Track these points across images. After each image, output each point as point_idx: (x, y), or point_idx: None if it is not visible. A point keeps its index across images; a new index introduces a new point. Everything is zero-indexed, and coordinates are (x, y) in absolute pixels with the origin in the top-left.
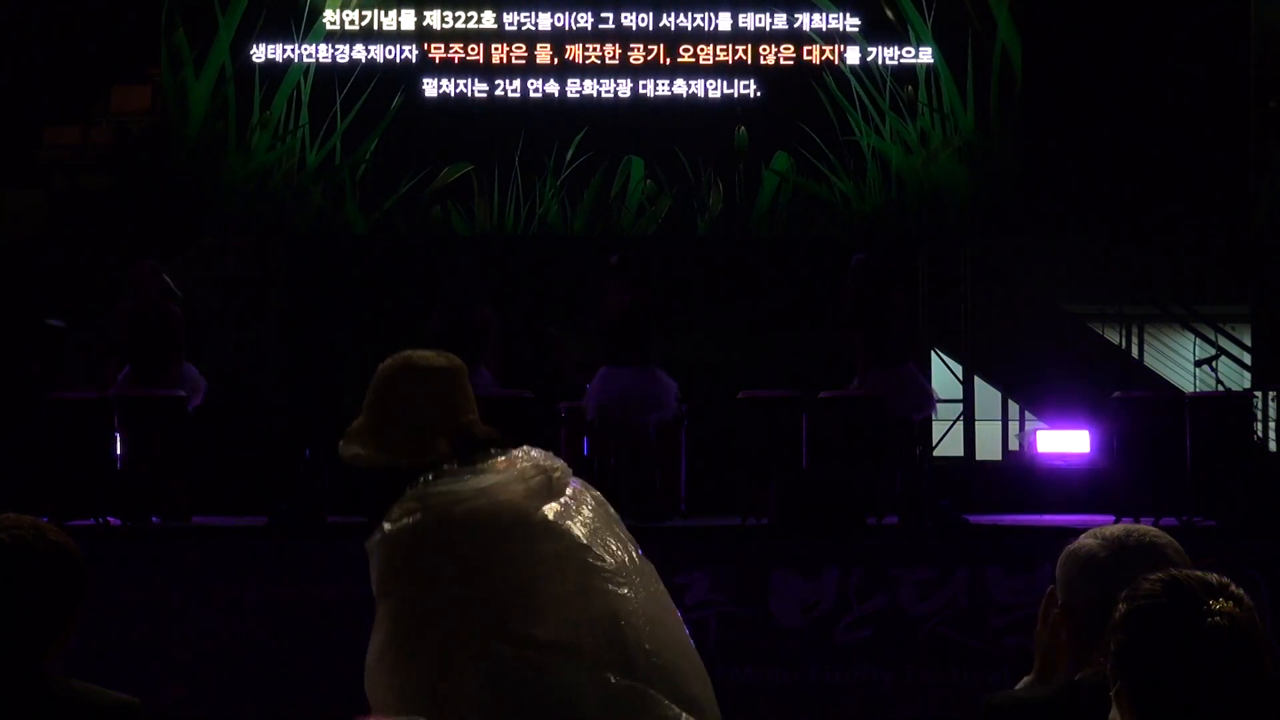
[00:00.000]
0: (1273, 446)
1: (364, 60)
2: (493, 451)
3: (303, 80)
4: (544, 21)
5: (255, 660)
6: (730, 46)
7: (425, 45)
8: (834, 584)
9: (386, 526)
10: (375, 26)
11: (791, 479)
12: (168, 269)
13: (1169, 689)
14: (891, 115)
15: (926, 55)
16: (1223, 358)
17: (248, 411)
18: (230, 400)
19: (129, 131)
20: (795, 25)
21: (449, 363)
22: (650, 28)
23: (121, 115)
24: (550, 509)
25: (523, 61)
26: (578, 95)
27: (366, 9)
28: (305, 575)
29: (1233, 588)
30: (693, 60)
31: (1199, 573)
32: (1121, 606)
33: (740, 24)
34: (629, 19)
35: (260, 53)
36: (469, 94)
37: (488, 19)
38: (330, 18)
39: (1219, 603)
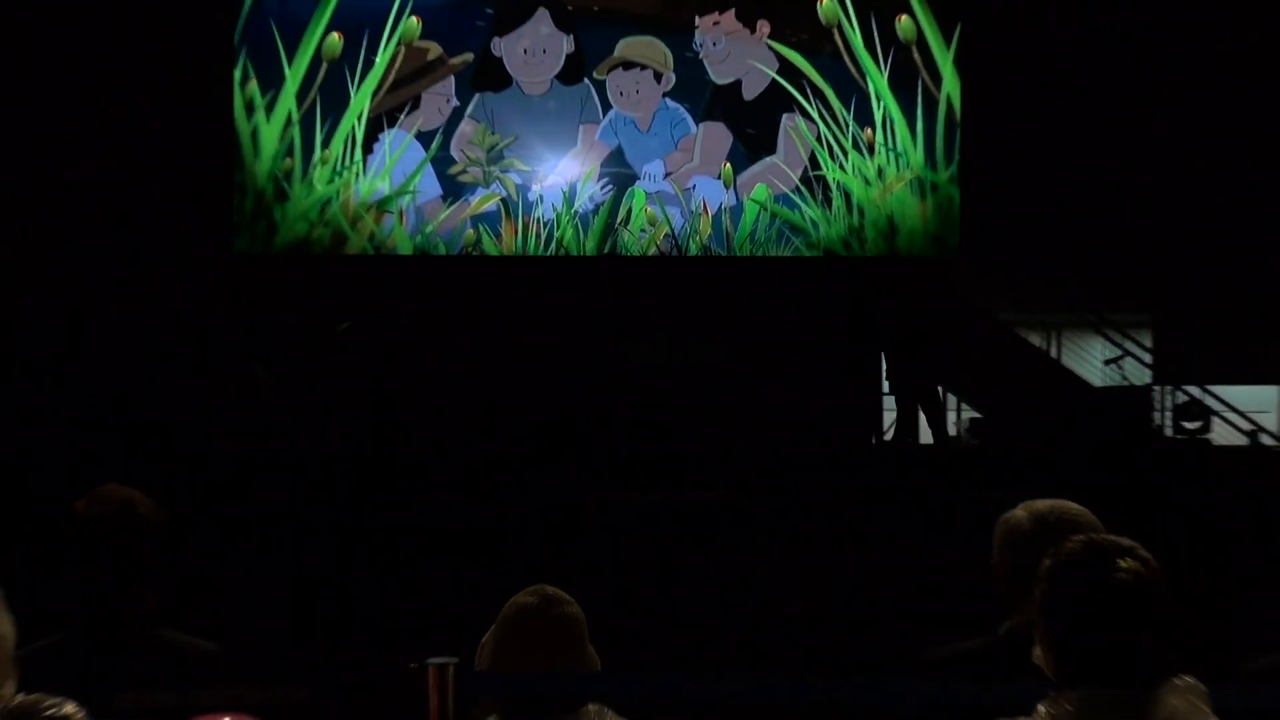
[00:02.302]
0: (1169, 432)
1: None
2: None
3: (356, 123)
4: None
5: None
6: None
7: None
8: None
9: None
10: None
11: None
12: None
13: (1081, 630)
14: (854, 153)
15: (883, 103)
16: (1128, 358)
17: (310, 418)
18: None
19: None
20: None
21: (562, 605)
22: None
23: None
24: None
25: None
26: None
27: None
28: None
29: (1140, 550)
30: None
31: (1113, 537)
32: (1047, 561)
33: None
34: None
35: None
36: None
37: None
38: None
39: (1126, 561)
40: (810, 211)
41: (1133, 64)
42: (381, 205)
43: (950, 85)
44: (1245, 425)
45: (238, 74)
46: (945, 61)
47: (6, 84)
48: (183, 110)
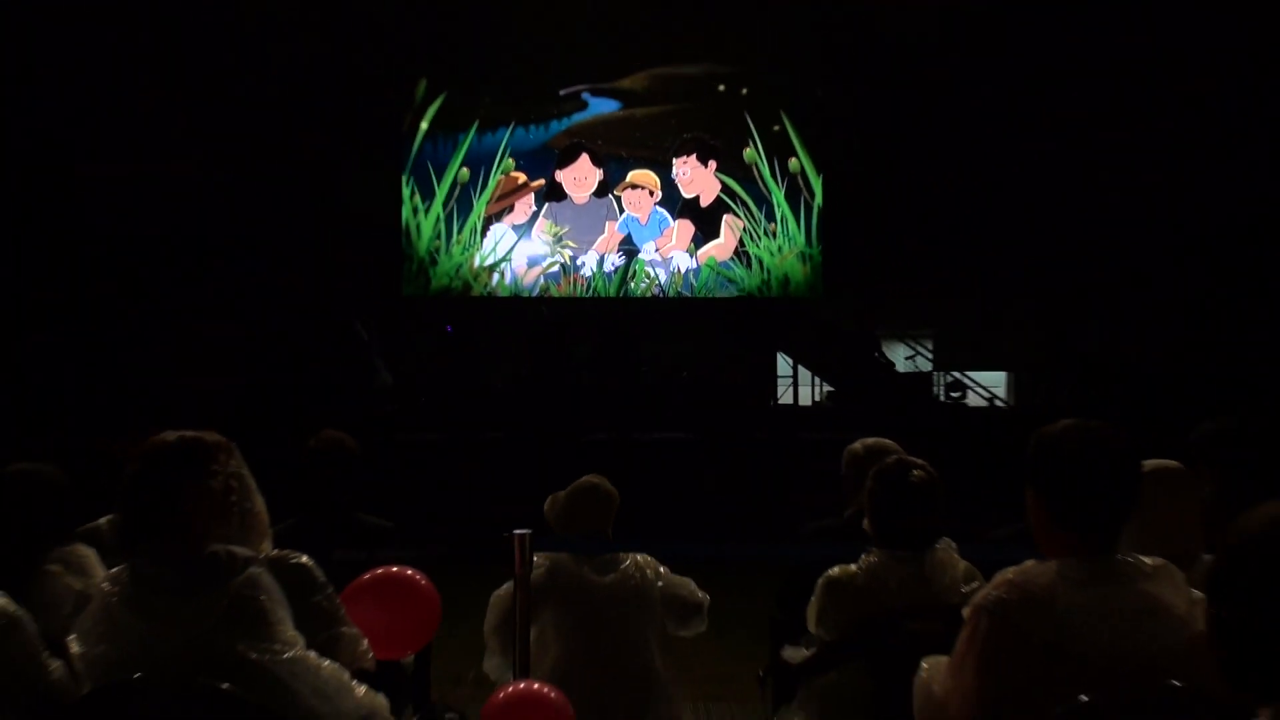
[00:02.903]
0: (942, 399)
1: None
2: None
3: (477, 221)
4: None
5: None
6: None
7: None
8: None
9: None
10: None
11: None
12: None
13: (890, 511)
14: (765, 238)
15: (780, 209)
16: (918, 355)
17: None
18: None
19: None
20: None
21: (607, 489)
22: None
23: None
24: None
25: None
26: None
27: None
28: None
29: (927, 466)
30: None
31: (911, 458)
32: (873, 470)
33: None
34: None
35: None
36: None
37: None
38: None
39: (918, 471)
40: (739, 271)
41: (919, 188)
42: (491, 268)
43: (819, 199)
44: (985, 395)
45: (407, 191)
46: (816, 185)
47: (278, 196)
48: (376, 212)
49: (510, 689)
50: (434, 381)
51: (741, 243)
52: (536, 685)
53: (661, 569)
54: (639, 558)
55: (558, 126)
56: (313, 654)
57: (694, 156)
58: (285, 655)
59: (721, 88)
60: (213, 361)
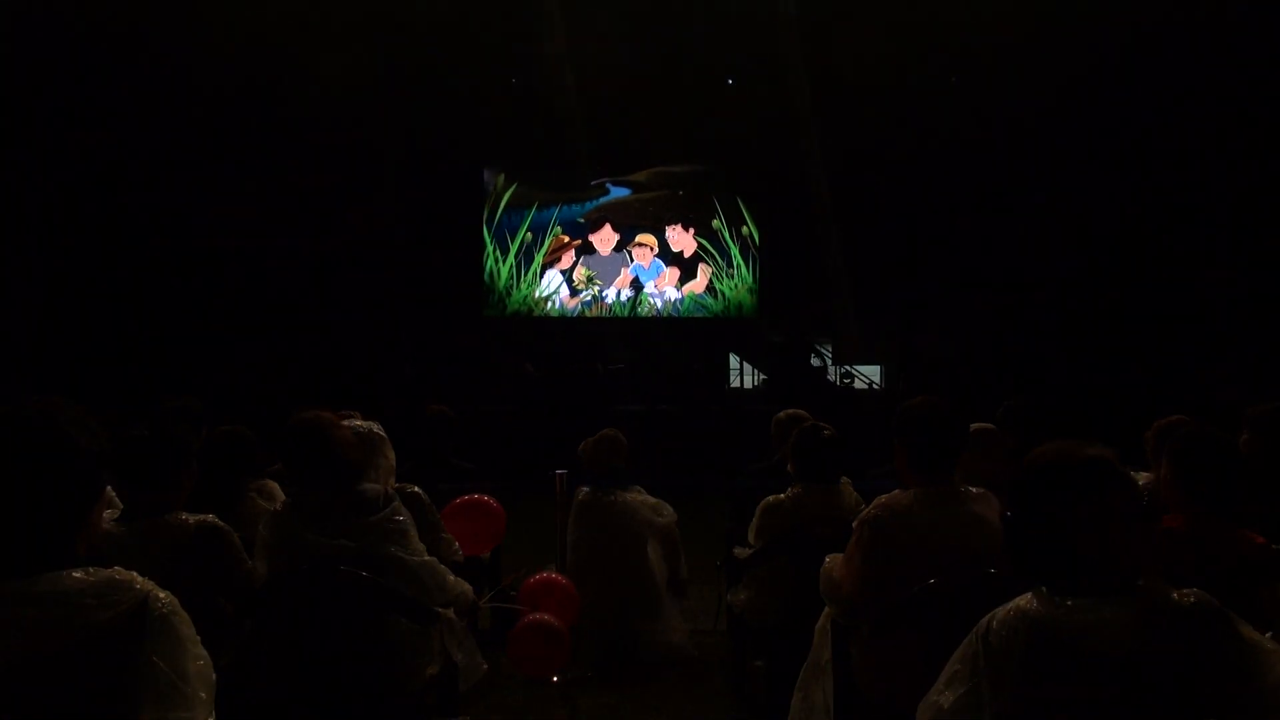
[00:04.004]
0: (838, 383)
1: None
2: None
3: (537, 268)
4: None
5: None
6: None
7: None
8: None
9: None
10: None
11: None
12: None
13: (806, 457)
14: (725, 279)
15: (735, 259)
16: (823, 356)
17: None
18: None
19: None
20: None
21: (621, 438)
22: None
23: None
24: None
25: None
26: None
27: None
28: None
29: (831, 428)
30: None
31: (820, 423)
32: (795, 430)
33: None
34: None
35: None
36: None
37: None
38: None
39: (825, 431)
40: (709, 300)
41: (824, 248)
42: (546, 299)
43: (761, 251)
44: (866, 381)
45: (490, 247)
46: (761, 242)
47: (409, 255)
48: (469, 262)
49: (537, 577)
50: (510, 373)
51: (711, 282)
52: (553, 575)
53: (663, 508)
54: (647, 496)
55: (590, 205)
56: (434, 559)
57: (680, 225)
58: (420, 559)
59: (692, 185)
60: (345, 361)
